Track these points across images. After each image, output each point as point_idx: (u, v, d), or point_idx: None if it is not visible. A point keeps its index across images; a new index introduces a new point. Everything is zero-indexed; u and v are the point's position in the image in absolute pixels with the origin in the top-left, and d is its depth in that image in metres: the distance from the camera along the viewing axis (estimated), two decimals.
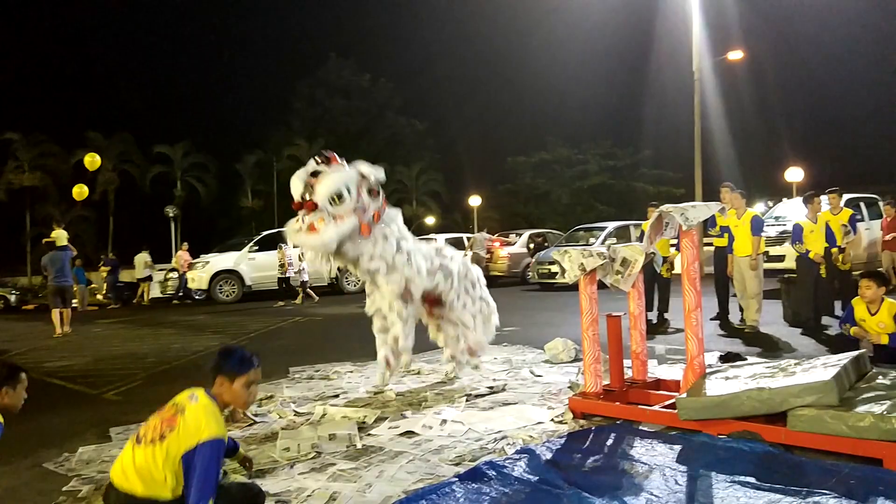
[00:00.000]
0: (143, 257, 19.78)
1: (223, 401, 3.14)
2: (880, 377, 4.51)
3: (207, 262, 18.24)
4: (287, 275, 16.46)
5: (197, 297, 18.61)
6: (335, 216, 5.41)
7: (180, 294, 19.23)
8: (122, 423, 5.40)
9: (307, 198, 5.46)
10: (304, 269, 16.46)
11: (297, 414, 5.41)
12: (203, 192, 42.73)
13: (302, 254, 16.13)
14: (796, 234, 9.13)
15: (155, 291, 19.87)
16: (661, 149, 40.78)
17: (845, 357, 4.55)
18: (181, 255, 19.77)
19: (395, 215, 6.09)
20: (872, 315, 5.52)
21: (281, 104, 48.22)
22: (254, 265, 18.05)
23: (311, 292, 16.82)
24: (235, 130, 46.59)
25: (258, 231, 24.16)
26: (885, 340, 5.38)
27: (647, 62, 38.00)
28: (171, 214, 27.99)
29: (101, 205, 37.45)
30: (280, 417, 5.34)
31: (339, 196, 5.39)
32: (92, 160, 19.50)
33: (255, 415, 5.36)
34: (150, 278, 19.76)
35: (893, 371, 4.80)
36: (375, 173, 5.77)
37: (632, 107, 42.11)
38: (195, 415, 2.95)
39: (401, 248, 5.88)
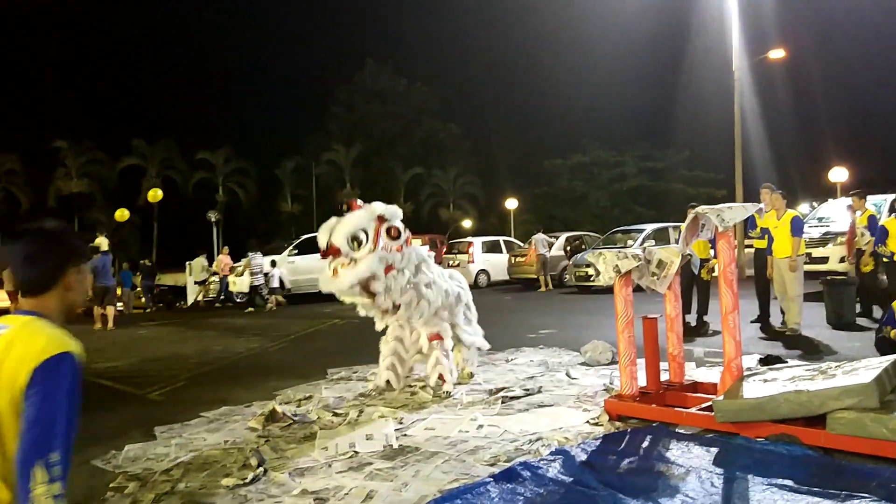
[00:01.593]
0: (200, 262, 20.31)
1: (53, 311, 1.86)
2: None
3: (292, 262, 18.54)
4: (256, 283, 17.07)
5: (238, 301, 18.92)
6: (355, 259, 5.61)
7: (222, 297, 19.57)
8: (166, 423, 5.57)
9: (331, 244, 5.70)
10: (275, 275, 17.08)
11: (335, 414, 5.50)
12: (244, 196, 43.53)
13: (274, 261, 17.29)
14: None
15: (195, 296, 20.26)
16: (700, 150, 40.19)
17: (887, 360, 4.47)
18: (222, 259, 20.11)
19: (421, 252, 6.25)
20: None
21: (319, 110, 48.97)
22: (293, 269, 18.28)
23: (280, 298, 17.30)
24: (275, 136, 47.44)
25: (297, 235, 24.46)
26: None
27: (685, 62, 37.48)
28: (213, 219, 28.45)
29: (146, 210, 38.36)
30: (319, 418, 5.44)
31: (356, 239, 5.61)
32: (154, 194, 20.72)
33: (295, 415, 5.47)
34: (205, 282, 20.27)
35: None
36: (393, 212, 5.94)
37: (670, 108, 41.55)
38: (18, 338, 1.73)
39: (427, 283, 6.10)
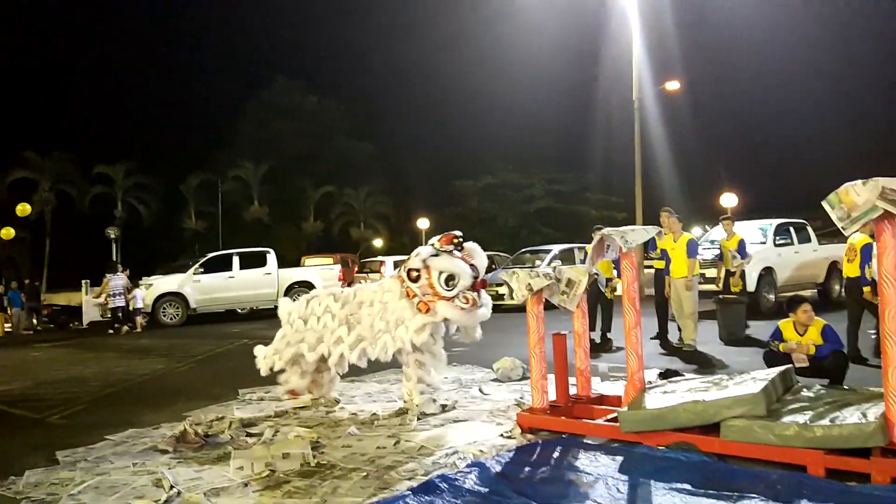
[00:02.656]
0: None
1: None
2: (805, 390, 4.84)
3: (150, 285, 17.93)
4: (115, 304, 16.57)
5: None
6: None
7: (119, 316, 18.82)
8: (68, 447, 5.35)
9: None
10: (136, 296, 16.93)
11: (248, 435, 5.45)
12: (145, 213, 41.87)
13: (138, 283, 17.50)
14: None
15: (94, 314, 19.36)
16: (605, 174, 41.78)
17: (773, 371, 4.87)
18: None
19: None
20: (801, 335, 5.87)
21: (227, 125, 47.80)
22: (199, 287, 17.80)
23: (141, 321, 17.01)
24: (180, 151, 45.79)
25: (202, 253, 23.82)
26: (812, 351, 5.74)
27: (593, 90, 39.06)
28: (111, 236, 27.29)
29: (38, 225, 36.29)
30: (232, 438, 5.37)
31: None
32: (23, 209, 19.76)
33: (206, 436, 5.38)
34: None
35: (817, 384, 5.16)
36: None
37: (577, 133, 43.12)
38: None
39: None
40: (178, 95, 58.69)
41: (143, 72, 60.46)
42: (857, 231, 3.89)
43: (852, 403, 4.30)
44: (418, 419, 5.64)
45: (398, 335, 5.92)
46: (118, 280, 16.65)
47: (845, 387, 5.18)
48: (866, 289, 7.51)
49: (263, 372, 6.74)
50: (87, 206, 40.23)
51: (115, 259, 25.28)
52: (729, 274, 10.27)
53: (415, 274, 5.90)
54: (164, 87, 59.60)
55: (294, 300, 7.00)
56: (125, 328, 16.44)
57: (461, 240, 6.05)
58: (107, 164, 40.36)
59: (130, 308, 16.88)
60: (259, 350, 6.88)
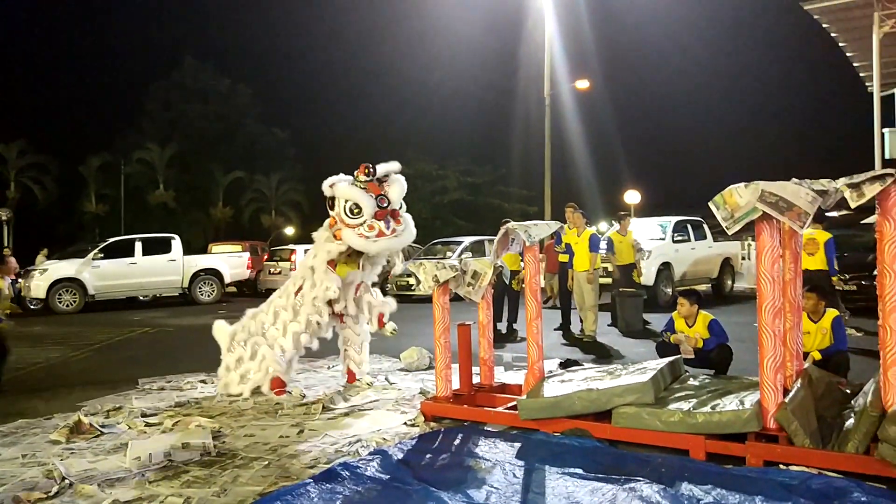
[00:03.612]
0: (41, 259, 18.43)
1: None
2: (692, 379, 5.16)
3: (46, 270, 17.05)
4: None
5: (32, 307, 17.33)
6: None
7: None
8: None
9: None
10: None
11: (147, 424, 5.33)
12: (41, 194, 39.70)
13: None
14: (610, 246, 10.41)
15: None
16: (517, 168, 42.57)
17: (663, 362, 5.16)
18: (11, 262, 18.38)
19: None
20: (690, 327, 6.23)
21: (132, 106, 45.79)
22: (98, 273, 17.06)
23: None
24: (80, 131, 43.62)
25: (103, 237, 22.82)
26: (700, 345, 6.10)
27: (508, 85, 39.70)
28: (3, 218, 25.83)
29: None
30: (130, 428, 5.24)
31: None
32: None
33: (103, 426, 5.22)
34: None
35: (703, 374, 5.50)
36: None
37: (492, 126, 43.76)
38: None
39: None
40: (81, 73, 55.91)
41: (44, 48, 57.19)
42: (737, 230, 4.15)
43: (732, 392, 4.61)
44: (323, 409, 5.65)
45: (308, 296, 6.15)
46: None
47: (729, 376, 5.55)
48: (834, 278, 8.72)
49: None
50: None
51: (6, 243, 23.92)
52: (628, 268, 10.62)
53: (329, 201, 6.13)
54: (65, 63, 56.59)
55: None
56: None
57: (373, 169, 6.15)
58: None
59: None
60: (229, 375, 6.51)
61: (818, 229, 8.53)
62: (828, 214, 8.29)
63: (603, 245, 10.27)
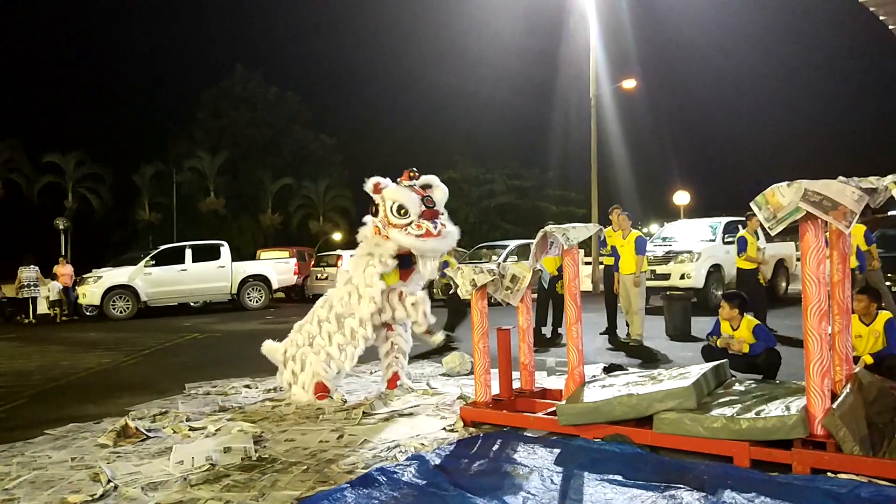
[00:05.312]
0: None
1: None
2: (737, 384, 5.01)
3: (100, 277, 17.58)
4: (25, 296, 17.60)
5: (88, 314, 17.88)
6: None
7: (65, 311, 18.44)
8: (5, 441, 5.26)
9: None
10: (54, 288, 17.81)
11: (191, 429, 5.42)
12: (97, 203, 41.03)
13: (54, 274, 18.07)
14: (741, 246, 9.86)
15: (43, 307, 18.92)
16: (565, 170, 42.33)
17: (707, 366, 5.02)
18: (61, 270, 18.98)
19: None
20: (734, 330, 6.07)
21: (183, 115, 47.01)
22: (150, 280, 17.51)
23: (56, 310, 17.84)
24: (133, 140, 44.98)
25: (156, 245, 23.43)
26: (746, 349, 5.93)
27: (554, 87, 39.48)
28: (61, 227, 26.69)
29: None
30: (174, 432, 5.34)
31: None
32: None
33: (149, 430, 5.34)
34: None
35: (749, 378, 5.34)
36: None
37: (539, 129, 43.74)
38: None
39: None
40: (134, 84, 57.57)
41: (97, 58, 59.10)
42: (780, 230, 4.02)
43: (778, 397, 4.46)
44: (364, 415, 5.67)
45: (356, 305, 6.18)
46: (29, 272, 17.43)
47: (776, 381, 5.38)
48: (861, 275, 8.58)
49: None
50: (36, 196, 39.24)
51: (63, 251, 24.72)
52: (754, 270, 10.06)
53: (374, 208, 6.16)
54: (119, 74, 58.35)
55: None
56: (28, 319, 17.42)
57: (417, 174, 6.22)
58: (57, 153, 39.40)
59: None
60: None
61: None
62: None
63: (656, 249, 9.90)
